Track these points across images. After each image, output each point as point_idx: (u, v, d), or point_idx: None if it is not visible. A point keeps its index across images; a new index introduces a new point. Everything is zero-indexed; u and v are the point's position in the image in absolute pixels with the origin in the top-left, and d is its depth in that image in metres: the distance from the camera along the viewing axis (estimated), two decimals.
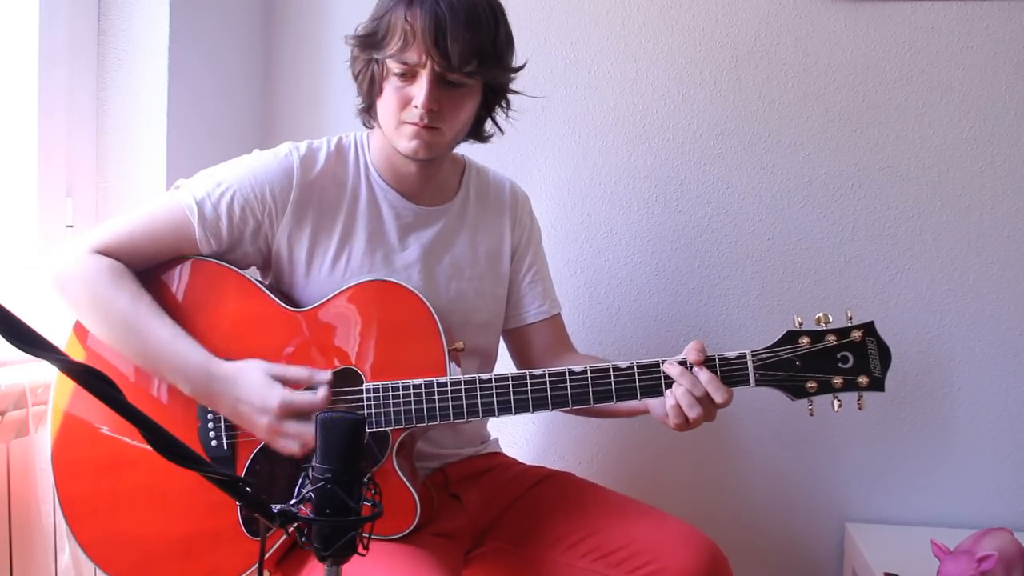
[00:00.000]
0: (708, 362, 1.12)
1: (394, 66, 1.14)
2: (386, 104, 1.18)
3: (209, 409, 1.15)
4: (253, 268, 1.26)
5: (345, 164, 1.26)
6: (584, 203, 1.81)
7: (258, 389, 1.09)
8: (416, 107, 1.14)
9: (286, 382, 1.11)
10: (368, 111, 1.24)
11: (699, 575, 1.14)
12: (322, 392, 1.11)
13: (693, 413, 1.11)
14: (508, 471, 1.36)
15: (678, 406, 1.11)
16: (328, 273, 1.22)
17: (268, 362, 1.12)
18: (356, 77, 1.22)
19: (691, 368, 1.11)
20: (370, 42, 1.16)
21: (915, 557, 1.47)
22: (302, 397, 1.10)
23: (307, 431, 1.09)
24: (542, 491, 1.31)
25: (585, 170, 1.81)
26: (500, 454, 1.42)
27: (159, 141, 1.54)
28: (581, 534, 1.21)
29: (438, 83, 1.14)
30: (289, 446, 1.10)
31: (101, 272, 1.13)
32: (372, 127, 1.26)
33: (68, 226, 1.49)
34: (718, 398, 1.10)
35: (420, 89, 1.14)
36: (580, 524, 1.23)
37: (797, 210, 1.76)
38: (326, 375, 1.12)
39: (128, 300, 1.12)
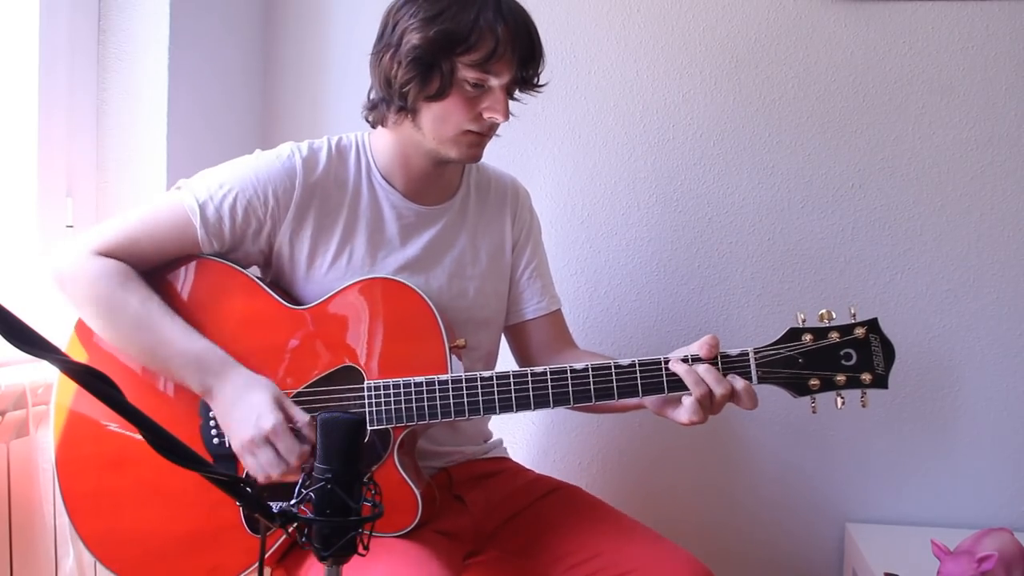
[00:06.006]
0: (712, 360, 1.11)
1: (471, 75, 1.13)
2: (449, 111, 1.15)
3: (211, 407, 1.15)
4: (254, 267, 1.26)
5: (346, 164, 1.25)
6: (584, 203, 1.81)
7: (261, 407, 1.08)
8: (493, 119, 1.16)
9: (286, 417, 1.09)
10: (400, 112, 1.18)
11: None
12: (306, 447, 1.09)
13: (713, 410, 1.11)
14: (516, 479, 1.35)
15: (698, 404, 1.10)
16: (329, 272, 1.22)
17: (280, 389, 1.11)
18: (395, 76, 1.15)
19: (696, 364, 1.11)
20: (453, 41, 1.11)
21: (915, 557, 1.47)
22: (290, 439, 1.08)
23: (274, 466, 1.07)
24: (549, 504, 1.30)
25: (585, 170, 1.81)
26: (507, 459, 1.41)
27: (159, 141, 1.54)
28: (584, 555, 1.19)
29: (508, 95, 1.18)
30: (250, 466, 1.09)
31: (108, 275, 1.13)
32: (380, 127, 1.24)
33: (68, 226, 1.49)
34: (747, 404, 1.10)
35: (497, 103, 1.15)
36: (584, 544, 1.21)
37: (797, 210, 1.76)
38: (305, 450, 1.10)
39: (138, 302, 1.12)
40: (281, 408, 1.09)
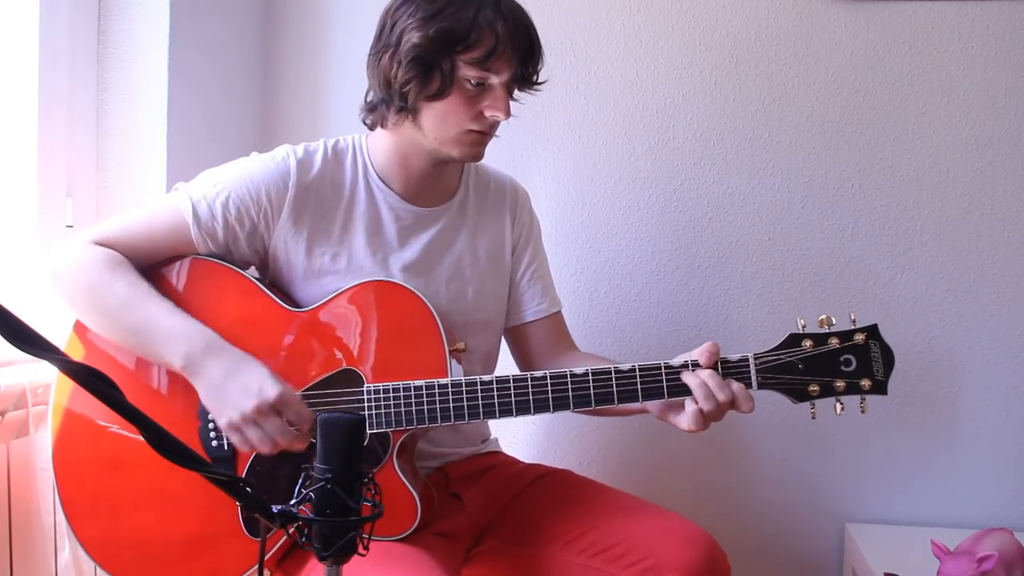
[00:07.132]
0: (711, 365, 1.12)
1: (472, 73, 1.13)
2: (450, 110, 1.16)
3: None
4: (252, 268, 1.26)
5: (342, 167, 1.25)
6: (584, 203, 1.81)
7: (262, 378, 1.08)
8: (494, 117, 1.17)
9: None
10: (400, 112, 1.18)
11: (697, 569, 1.13)
12: (307, 426, 1.10)
13: (715, 417, 1.11)
14: (508, 470, 1.36)
15: (700, 412, 1.10)
16: (327, 274, 1.21)
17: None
18: (394, 76, 1.14)
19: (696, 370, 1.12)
20: (453, 39, 1.11)
21: (915, 557, 1.47)
22: (299, 404, 1.09)
23: (284, 433, 1.08)
24: (540, 488, 1.31)
25: (585, 170, 1.81)
26: (500, 453, 1.42)
27: (159, 141, 1.54)
28: (579, 530, 1.21)
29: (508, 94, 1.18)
30: (253, 438, 1.08)
31: (98, 260, 1.13)
32: (377, 128, 1.24)
33: (68, 226, 1.49)
34: (744, 408, 1.11)
35: (499, 101, 1.16)
36: (578, 520, 1.23)
37: (797, 210, 1.76)
38: (311, 415, 1.11)
39: (126, 284, 1.12)
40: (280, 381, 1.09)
